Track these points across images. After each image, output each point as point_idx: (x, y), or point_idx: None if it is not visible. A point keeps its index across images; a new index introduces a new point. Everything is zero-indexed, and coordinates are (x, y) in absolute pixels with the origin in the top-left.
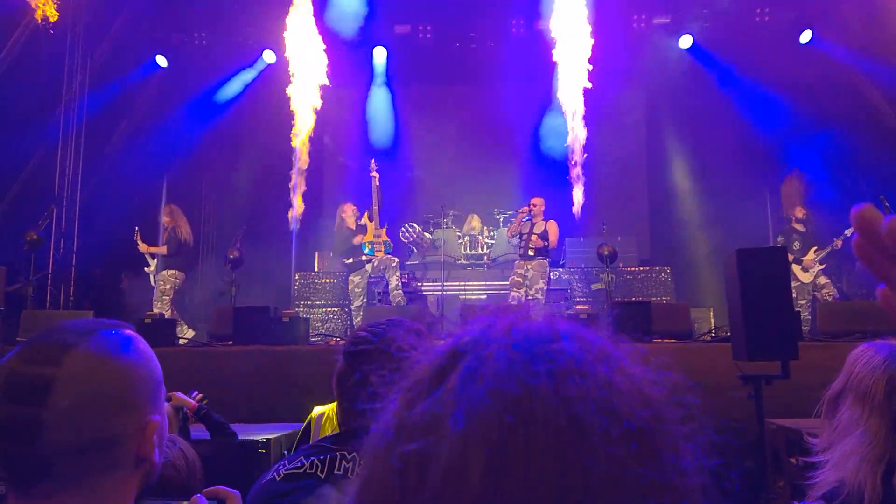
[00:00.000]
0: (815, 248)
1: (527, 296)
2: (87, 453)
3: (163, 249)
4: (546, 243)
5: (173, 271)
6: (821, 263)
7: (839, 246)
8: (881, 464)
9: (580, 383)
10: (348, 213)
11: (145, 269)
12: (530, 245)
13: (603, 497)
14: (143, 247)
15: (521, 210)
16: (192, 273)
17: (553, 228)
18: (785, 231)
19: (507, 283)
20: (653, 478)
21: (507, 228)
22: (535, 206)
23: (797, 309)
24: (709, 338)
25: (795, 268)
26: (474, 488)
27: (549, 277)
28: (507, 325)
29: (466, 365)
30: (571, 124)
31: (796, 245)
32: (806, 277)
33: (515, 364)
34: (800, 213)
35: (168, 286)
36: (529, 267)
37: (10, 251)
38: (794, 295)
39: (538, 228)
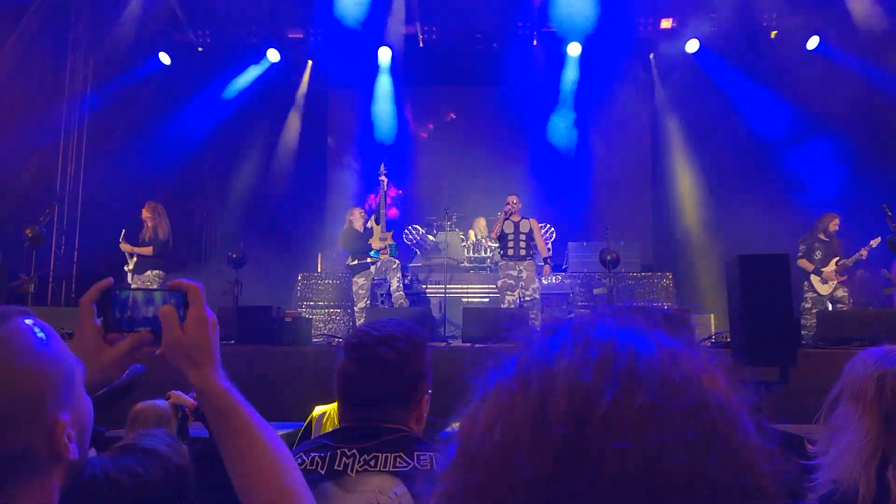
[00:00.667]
0: (837, 258)
1: (522, 297)
2: None
3: (148, 250)
4: (534, 243)
5: (157, 271)
6: (840, 275)
7: (865, 256)
8: (874, 459)
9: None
10: (356, 216)
11: (125, 267)
12: (521, 247)
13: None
14: (125, 246)
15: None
16: (192, 273)
17: (536, 227)
18: (808, 239)
19: (497, 287)
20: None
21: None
22: (511, 203)
23: (805, 318)
24: (709, 343)
25: (814, 279)
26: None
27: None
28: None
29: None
30: None
31: (818, 255)
32: (824, 289)
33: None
34: (833, 225)
35: (156, 286)
36: (522, 268)
37: (11, 247)
38: (808, 305)
39: (524, 227)
